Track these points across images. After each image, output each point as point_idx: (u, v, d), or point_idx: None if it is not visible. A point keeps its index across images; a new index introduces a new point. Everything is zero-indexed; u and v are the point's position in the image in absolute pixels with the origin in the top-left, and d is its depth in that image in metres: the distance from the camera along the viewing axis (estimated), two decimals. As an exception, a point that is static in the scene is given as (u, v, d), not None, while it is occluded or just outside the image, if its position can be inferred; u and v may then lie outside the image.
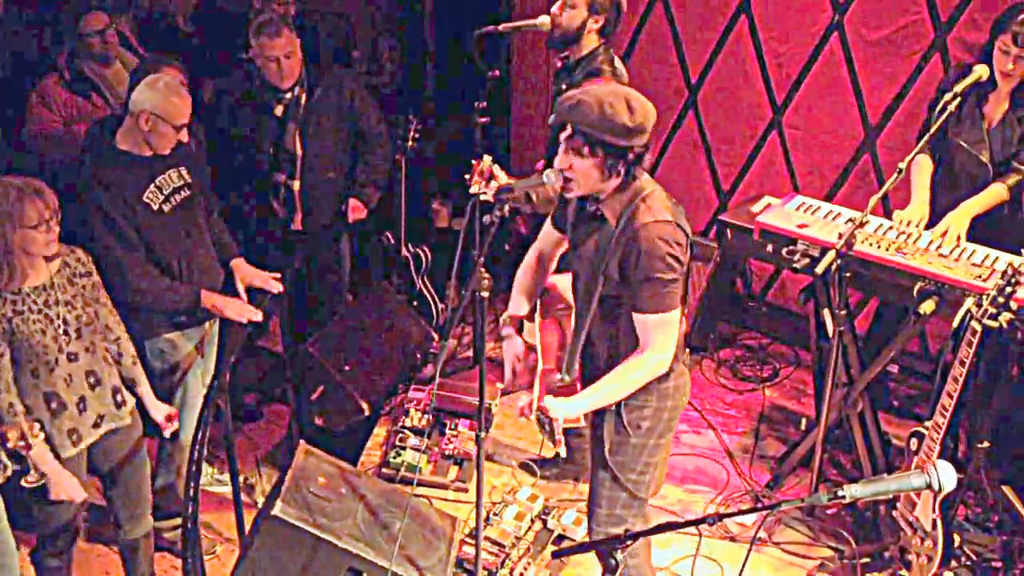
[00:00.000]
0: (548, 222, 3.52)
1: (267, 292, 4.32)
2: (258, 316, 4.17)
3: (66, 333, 3.49)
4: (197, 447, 3.60)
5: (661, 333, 3.09)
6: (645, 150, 3.04)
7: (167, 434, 3.97)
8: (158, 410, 3.89)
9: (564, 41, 4.13)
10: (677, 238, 3.03)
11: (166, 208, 3.98)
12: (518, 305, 3.53)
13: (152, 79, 3.90)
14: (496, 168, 4.07)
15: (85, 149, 4.22)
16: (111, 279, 3.79)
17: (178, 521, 4.31)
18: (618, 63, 4.16)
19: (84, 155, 4.13)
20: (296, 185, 4.88)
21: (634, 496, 3.41)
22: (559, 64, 4.24)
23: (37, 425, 3.41)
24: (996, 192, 4.19)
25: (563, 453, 3.47)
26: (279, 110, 4.75)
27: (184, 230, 4.07)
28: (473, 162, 4.03)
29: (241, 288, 4.31)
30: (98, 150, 3.99)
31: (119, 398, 3.72)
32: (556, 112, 3.04)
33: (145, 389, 3.87)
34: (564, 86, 4.14)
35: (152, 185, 3.94)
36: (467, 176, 4.13)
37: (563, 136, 3.03)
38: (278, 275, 4.37)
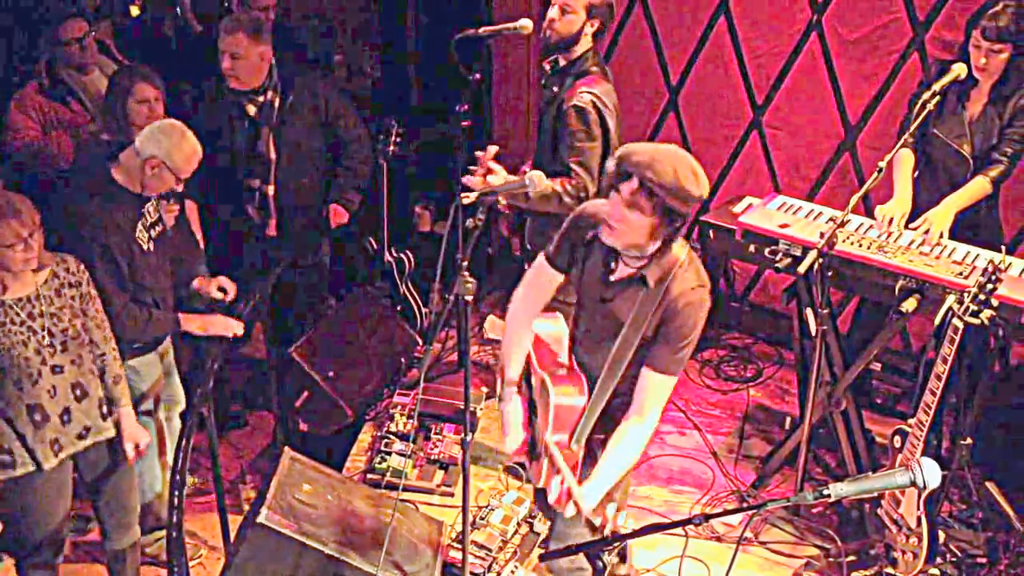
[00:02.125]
0: (543, 261, 3.36)
1: (248, 300, 4.31)
2: (241, 328, 4.16)
3: (51, 345, 3.46)
4: (181, 455, 3.58)
5: (662, 395, 3.11)
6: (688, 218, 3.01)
7: (131, 456, 3.85)
8: (130, 435, 3.79)
9: (562, 46, 4.12)
10: (708, 304, 3.06)
11: (148, 247, 3.95)
12: (514, 370, 3.41)
13: (169, 126, 3.85)
14: (495, 165, 4.03)
15: (77, 171, 4.14)
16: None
17: (160, 535, 4.28)
18: (604, 65, 4.17)
19: (77, 178, 4.01)
20: (271, 190, 4.86)
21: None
22: (547, 68, 4.24)
23: None
24: (980, 186, 4.21)
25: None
26: (251, 110, 4.73)
27: (160, 265, 4.04)
28: (478, 154, 3.99)
29: (213, 287, 4.34)
30: (101, 185, 3.85)
31: (105, 410, 3.69)
32: (623, 161, 2.90)
33: (127, 410, 3.79)
34: (555, 88, 4.14)
35: (139, 223, 3.91)
36: (472, 169, 4.05)
37: (625, 187, 2.89)
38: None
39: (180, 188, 3.95)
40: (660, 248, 2.99)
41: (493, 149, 4.02)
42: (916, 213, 4.26)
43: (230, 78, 4.64)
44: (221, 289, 4.32)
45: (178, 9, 5.90)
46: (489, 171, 4.02)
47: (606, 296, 3.15)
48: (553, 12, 4.08)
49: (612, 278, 3.12)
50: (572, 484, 3.01)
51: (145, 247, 3.91)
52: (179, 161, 3.80)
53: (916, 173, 4.40)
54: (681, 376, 5.39)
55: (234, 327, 4.13)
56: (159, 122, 3.87)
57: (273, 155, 4.80)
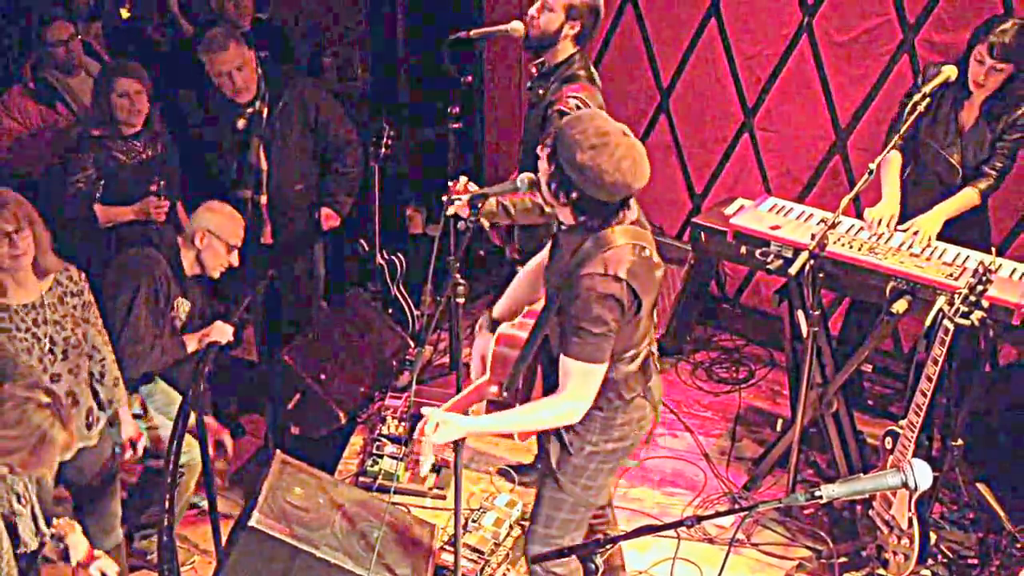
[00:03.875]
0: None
1: (239, 304, 4.30)
2: (231, 334, 4.22)
3: (52, 353, 3.45)
4: (173, 457, 3.57)
5: (579, 381, 3.01)
6: (597, 203, 2.91)
7: (127, 456, 3.91)
8: (127, 428, 3.83)
9: (541, 44, 4.08)
10: (618, 295, 2.92)
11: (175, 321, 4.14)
12: (501, 308, 3.48)
13: (218, 206, 4.16)
14: (472, 185, 4.01)
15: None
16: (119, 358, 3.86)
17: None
18: (593, 71, 4.16)
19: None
20: (263, 200, 4.85)
21: (572, 510, 3.36)
22: (534, 71, 4.24)
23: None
24: (968, 197, 4.24)
25: (424, 473, 3.42)
26: (240, 123, 4.72)
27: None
28: (449, 184, 3.91)
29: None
30: (166, 237, 4.12)
31: (90, 419, 3.69)
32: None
33: (124, 411, 3.82)
34: (540, 91, 4.13)
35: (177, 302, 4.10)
36: (444, 198, 4.02)
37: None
38: None
39: (236, 262, 4.21)
40: (579, 225, 2.98)
41: (463, 179, 3.94)
42: (905, 218, 4.27)
43: (240, 91, 4.64)
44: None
45: (170, 10, 5.89)
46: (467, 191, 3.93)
47: (551, 260, 3.23)
48: (534, 8, 4.05)
49: (554, 241, 3.20)
50: (449, 406, 3.19)
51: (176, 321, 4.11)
52: (227, 230, 4.07)
53: (906, 177, 4.42)
54: (673, 378, 5.50)
55: (228, 333, 4.14)
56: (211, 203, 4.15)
57: (264, 165, 4.78)
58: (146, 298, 3.89)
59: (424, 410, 3.09)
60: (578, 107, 3.97)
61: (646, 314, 3.08)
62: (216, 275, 4.08)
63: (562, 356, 3.02)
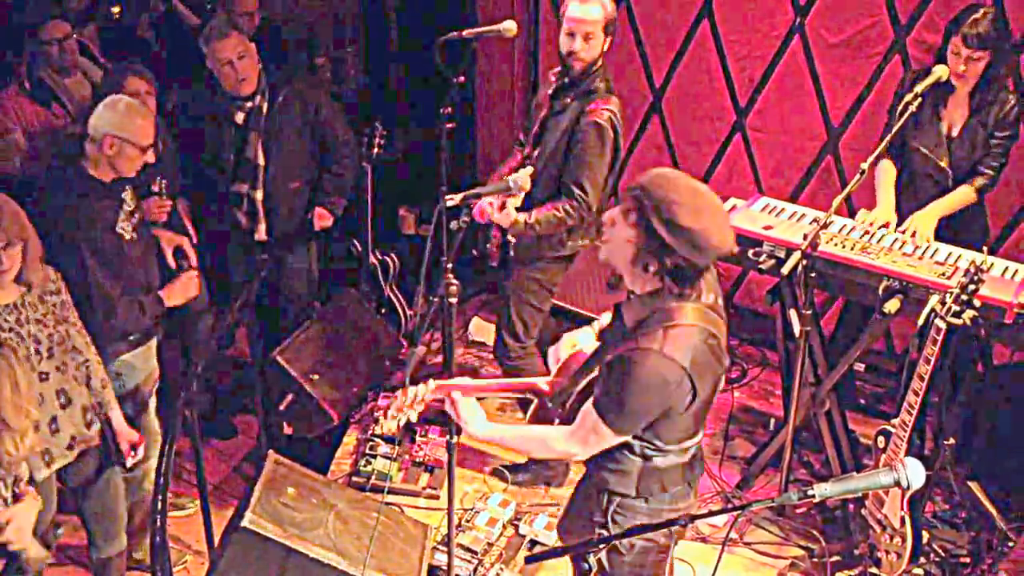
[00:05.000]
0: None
1: (233, 303, 4.29)
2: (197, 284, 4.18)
3: (38, 352, 3.43)
4: (165, 458, 3.56)
5: (587, 431, 2.81)
6: (692, 269, 2.65)
7: (129, 463, 3.85)
8: (124, 436, 3.80)
9: (586, 72, 4.06)
10: (668, 377, 2.64)
11: (132, 236, 3.89)
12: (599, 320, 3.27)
13: (111, 100, 3.79)
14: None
15: (52, 171, 4.07)
16: (92, 314, 3.73)
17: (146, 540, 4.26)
18: (606, 77, 4.13)
19: (53, 178, 3.93)
20: (259, 195, 4.85)
21: None
22: (553, 79, 4.21)
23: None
24: (964, 194, 4.25)
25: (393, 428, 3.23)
26: (239, 117, 4.72)
27: (144, 255, 4.00)
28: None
29: (168, 254, 4.32)
30: (76, 182, 3.80)
31: (88, 417, 3.66)
32: (639, 179, 2.71)
33: (115, 413, 3.79)
34: (568, 100, 4.08)
35: (120, 213, 3.85)
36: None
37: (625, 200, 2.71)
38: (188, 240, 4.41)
39: (152, 159, 3.86)
40: (654, 293, 2.71)
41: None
42: (899, 223, 4.28)
43: (242, 83, 4.62)
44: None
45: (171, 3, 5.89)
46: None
47: (607, 328, 3.04)
48: (576, 44, 3.98)
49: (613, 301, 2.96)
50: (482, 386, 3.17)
51: (128, 236, 3.86)
52: (133, 130, 3.73)
53: (900, 183, 4.43)
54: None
55: (194, 283, 4.11)
56: (106, 99, 3.82)
57: (261, 160, 4.78)
58: (91, 251, 3.72)
59: (455, 394, 3.02)
60: (611, 119, 3.99)
61: (701, 405, 2.79)
62: (132, 175, 3.87)
63: (591, 398, 2.82)
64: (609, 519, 2.97)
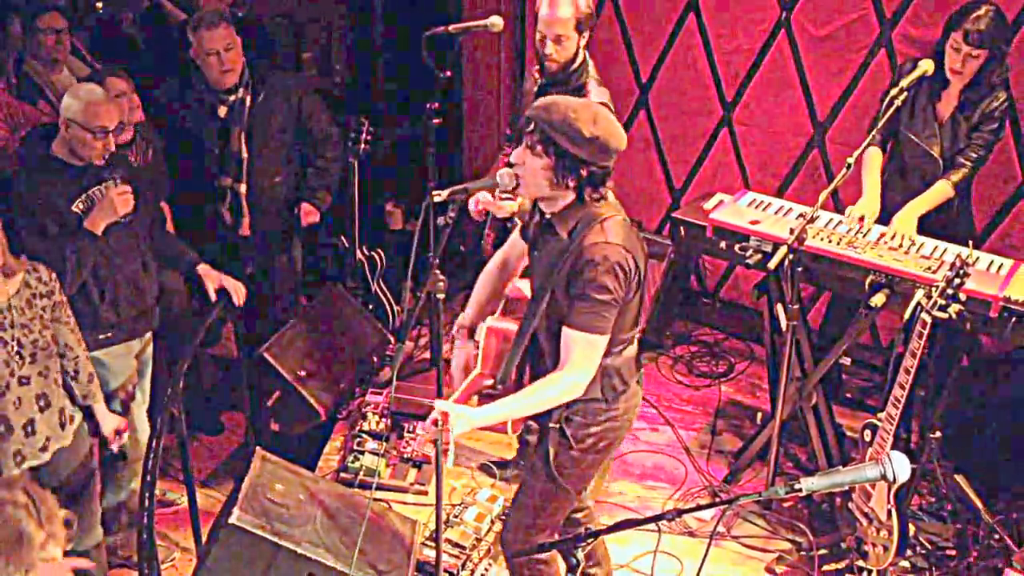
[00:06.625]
0: (517, 231, 3.50)
1: (219, 300, 4.27)
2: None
3: (19, 356, 3.41)
4: (152, 455, 3.55)
5: (582, 352, 3.05)
6: (603, 172, 3.00)
7: (114, 448, 3.87)
8: (107, 422, 3.82)
9: (567, 71, 4.05)
10: (623, 264, 3.00)
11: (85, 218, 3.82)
12: (471, 316, 3.52)
13: (74, 87, 3.79)
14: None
15: (21, 157, 4.07)
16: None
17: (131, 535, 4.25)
18: (595, 72, 4.13)
19: (19, 158, 3.99)
20: (243, 189, 4.83)
21: (563, 501, 3.40)
22: (537, 75, 4.21)
23: None
24: (941, 190, 4.25)
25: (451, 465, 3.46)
26: (222, 111, 4.69)
27: (113, 250, 3.93)
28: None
29: (212, 291, 4.24)
30: (32, 156, 3.84)
31: (63, 419, 3.65)
32: (529, 111, 3.02)
33: (100, 405, 3.81)
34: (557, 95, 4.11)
35: (84, 195, 3.81)
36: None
37: (528, 135, 3.00)
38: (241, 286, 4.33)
39: (112, 148, 3.81)
40: (575, 200, 3.03)
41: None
42: (887, 212, 4.29)
43: (227, 74, 4.59)
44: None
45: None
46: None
47: (533, 250, 3.25)
48: (548, 48, 3.99)
49: (536, 231, 3.22)
50: (455, 399, 3.21)
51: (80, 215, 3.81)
52: (86, 114, 3.68)
53: (889, 171, 4.44)
54: (653, 372, 5.51)
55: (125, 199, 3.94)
56: (73, 86, 3.81)
57: (245, 154, 4.76)
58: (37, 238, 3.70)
59: (437, 403, 3.06)
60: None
61: (642, 288, 3.14)
62: (100, 162, 3.82)
63: (565, 329, 3.06)
64: (563, 421, 3.26)
